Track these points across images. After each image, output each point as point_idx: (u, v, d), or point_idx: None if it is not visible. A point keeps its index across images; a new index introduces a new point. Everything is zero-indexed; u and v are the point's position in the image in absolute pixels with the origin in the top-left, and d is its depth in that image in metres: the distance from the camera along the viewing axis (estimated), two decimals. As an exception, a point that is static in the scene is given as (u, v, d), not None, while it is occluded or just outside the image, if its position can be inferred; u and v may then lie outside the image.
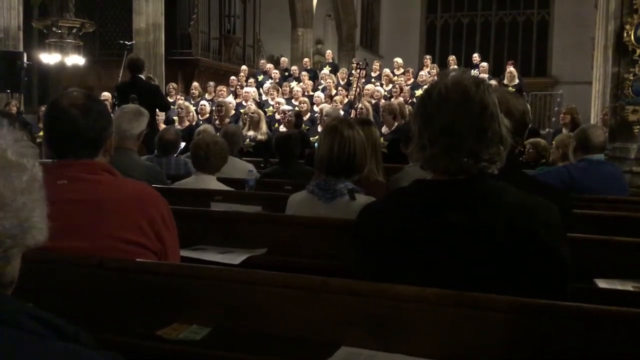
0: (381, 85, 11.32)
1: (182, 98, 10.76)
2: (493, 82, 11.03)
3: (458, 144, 1.45)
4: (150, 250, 1.88)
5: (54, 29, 12.15)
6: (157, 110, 7.84)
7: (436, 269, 1.47)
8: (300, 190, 2.89)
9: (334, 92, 11.08)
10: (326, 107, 8.66)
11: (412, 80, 11.87)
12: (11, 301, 0.87)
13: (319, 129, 7.76)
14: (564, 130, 6.69)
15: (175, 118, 8.85)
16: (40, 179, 0.92)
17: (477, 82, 1.51)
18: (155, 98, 7.52)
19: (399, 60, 13.10)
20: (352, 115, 8.86)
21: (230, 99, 10.38)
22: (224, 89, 11.07)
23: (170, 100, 10.39)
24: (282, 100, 10.51)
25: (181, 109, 8.68)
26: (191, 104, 9.89)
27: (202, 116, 9.36)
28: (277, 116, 9.71)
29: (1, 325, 0.81)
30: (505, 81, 11.49)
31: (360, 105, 8.60)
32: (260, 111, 8.76)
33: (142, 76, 7.36)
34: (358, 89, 10.61)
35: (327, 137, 2.70)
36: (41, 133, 8.47)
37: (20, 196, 0.87)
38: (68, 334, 0.86)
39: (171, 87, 11.07)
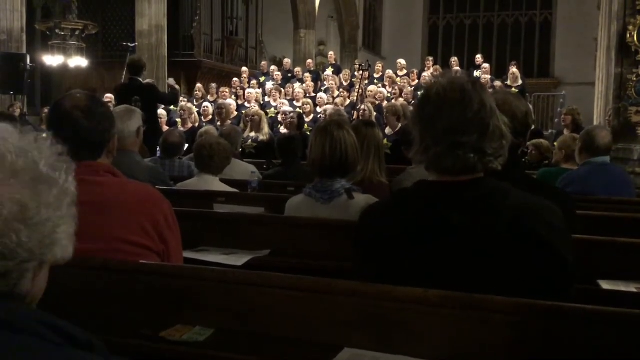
0: (384, 86, 11.31)
1: (185, 100, 10.77)
2: (498, 83, 11.04)
3: (462, 141, 1.45)
4: (153, 252, 1.88)
5: (57, 31, 12.18)
6: (158, 109, 7.84)
7: (439, 270, 1.47)
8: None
9: (336, 93, 11.09)
10: (330, 108, 8.66)
11: (417, 81, 11.87)
12: (27, 310, 0.87)
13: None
14: (566, 132, 6.69)
15: (178, 120, 8.86)
16: (72, 195, 0.91)
17: (473, 81, 1.53)
18: (157, 96, 7.50)
19: (401, 61, 13.11)
20: (354, 117, 8.86)
21: (231, 100, 10.39)
22: (227, 91, 11.09)
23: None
24: (284, 102, 10.52)
25: (183, 110, 8.69)
26: (194, 105, 9.90)
27: (205, 118, 9.37)
28: (279, 118, 9.72)
29: (18, 333, 0.80)
30: (508, 82, 11.48)
31: (362, 107, 8.60)
32: (261, 112, 8.77)
33: (141, 78, 7.35)
34: (360, 91, 10.62)
35: (318, 139, 2.71)
36: (44, 134, 8.47)
37: (45, 210, 0.85)
38: (82, 342, 0.86)
39: (171, 83, 11.08)
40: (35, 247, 0.85)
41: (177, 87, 8.33)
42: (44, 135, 0.90)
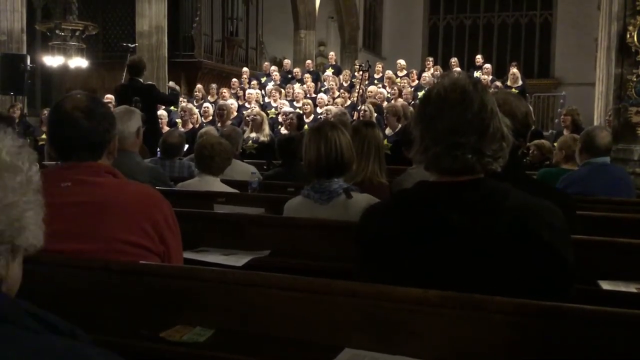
0: (384, 87, 11.32)
1: (185, 100, 10.77)
2: (498, 83, 11.04)
3: (461, 141, 1.45)
4: (153, 253, 1.88)
5: (57, 31, 12.18)
6: (157, 110, 7.82)
7: (439, 270, 1.47)
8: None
9: (336, 94, 11.09)
10: (332, 108, 8.66)
11: (417, 81, 11.87)
12: (6, 298, 0.88)
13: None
14: (566, 132, 6.69)
15: (179, 121, 8.87)
16: (36, 183, 0.93)
17: (474, 82, 1.53)
18: (157, 96, 7.49)
19: (401, 62, 13.12)
20: (354, 117, 8.86)
21: (233, 100, 10.40)
22: (226, 91, 11.09)
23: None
24: (285, 102, 10.53)
25: (184, 111, 8.69)
26: (194, 106, 9.91)
27: (205, 118, 9.38)
28: (280, 118, 9.72)
29: (1, 322, 0.81)
30: (508, 83, 11.49)
31: (363, 107, 8.60)
32: (262, 113, 8.77)
33: (141, 79, 7.33)
34: (361, 91, 10.62)
35: (313, 141, 2.72)
36: (44, 136, 8.49)
37: (11, 195, 0.88)
38: (64, 331, 0.87)
39: (170, 86, 11.08)
40: (6, 229, 0.88)
41: (177, 88, 8.32)
42: (6, 129, 0.94)
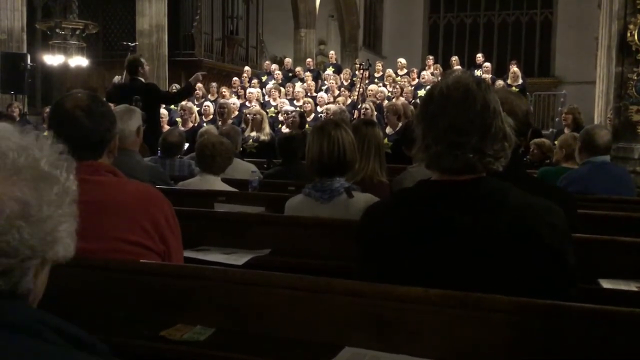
0: (384, 85, 11.30)
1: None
2: (500, 82, 11.02)
3: (462, 141, 1.45)
4: (154, 252, 1.88)
5: (57, 30, 12.19)
6: (160, 109, 7.79)
7: (439, 270, 1.47)
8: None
9: (337, 92, 11.08)
10: (331, 107, 8.65)
11: (417, 80, 11.86)
12: (30, 310, 0.86)
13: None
14: (566, 131, 6.69)
15: (179, 119, 8.85)
16: (73, 193, 0.91)
17: (478, 81, 1.52)
18: (157, 94, 7.44)
19: (402, 60, 13.10)
20: (355, 116, 8.85)
21: (233, 99, 10.39)
22: (226, 90, 11.08)
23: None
24: (285, 101, 10.52)
25: (184, 110, 8.68)
26: (194, 105, 9.90)
27: (205, 117, 9.37)
28: (280, 117, 9.71)
29: (21, 334, 0.80)
30: (508, 81, 11.47)
31: (365, 106, 8.60)
32: (262, 111, 8.75)
33: (141, 77, 7.27)
34: (361, 90, 10.61)
35: (316, 140, 2.72)
36: (45, 133, 8.46)
37: (46, 208, 0.85)
38: (85, 344, 0.85)
39: (174, 88, 11.08)
40: (37, 245, 0.84)
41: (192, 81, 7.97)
42: (45, 134, 0.90)
